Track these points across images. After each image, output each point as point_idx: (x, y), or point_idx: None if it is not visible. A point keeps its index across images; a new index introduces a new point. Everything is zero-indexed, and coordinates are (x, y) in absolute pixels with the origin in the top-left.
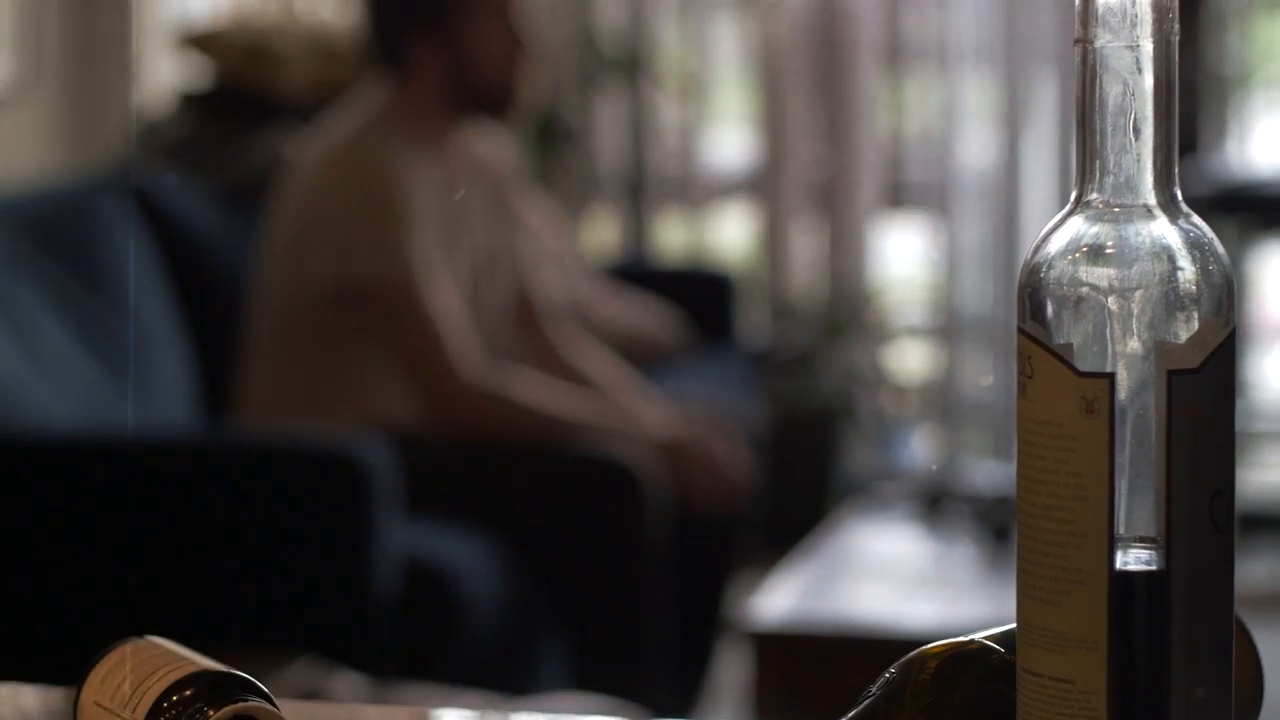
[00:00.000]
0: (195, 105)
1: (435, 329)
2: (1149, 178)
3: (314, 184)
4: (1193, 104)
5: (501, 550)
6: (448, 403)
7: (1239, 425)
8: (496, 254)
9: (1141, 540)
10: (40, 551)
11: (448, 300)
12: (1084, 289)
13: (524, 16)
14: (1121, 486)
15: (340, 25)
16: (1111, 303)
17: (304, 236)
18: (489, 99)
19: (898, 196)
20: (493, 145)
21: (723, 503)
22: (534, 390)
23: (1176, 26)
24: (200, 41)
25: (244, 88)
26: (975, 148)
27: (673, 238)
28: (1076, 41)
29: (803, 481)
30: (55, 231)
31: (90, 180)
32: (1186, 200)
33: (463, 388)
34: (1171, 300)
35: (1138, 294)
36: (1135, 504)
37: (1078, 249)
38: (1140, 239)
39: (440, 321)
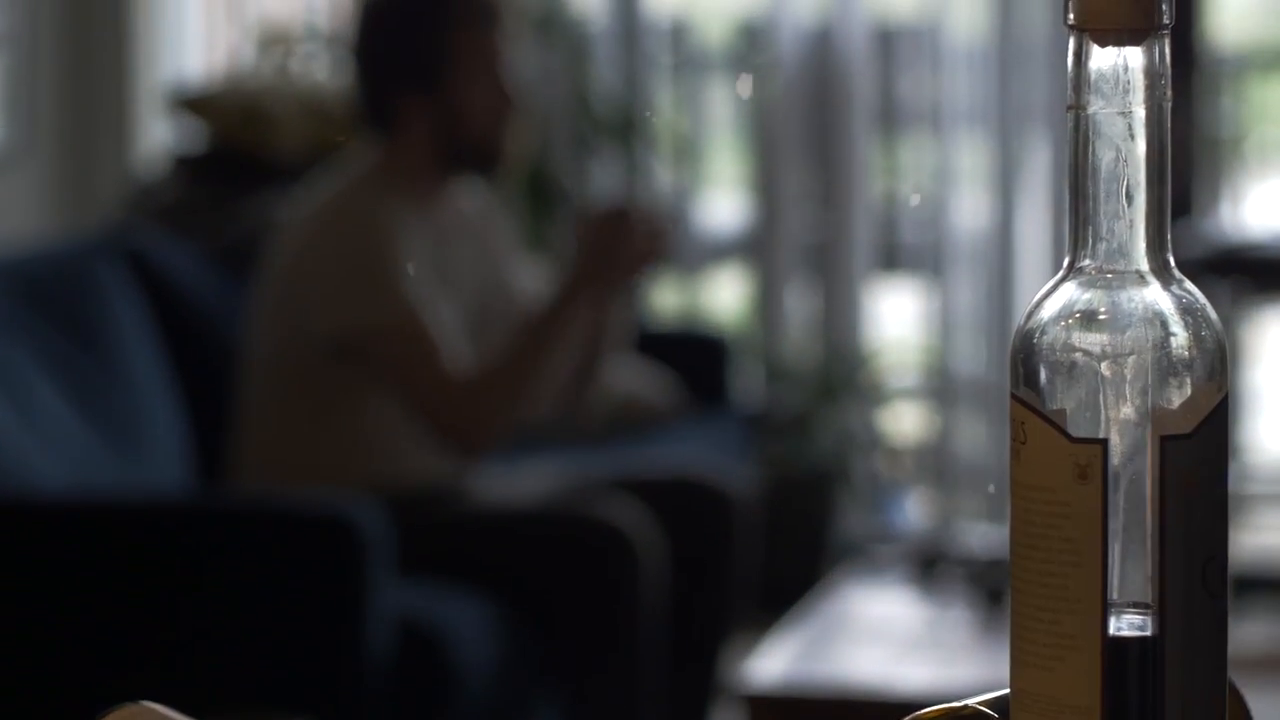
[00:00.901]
0: (189, 168)
1: (441, 364)
2: (1141, 244)
3: (305, 242)
4: (1187, 166)
5: (496, 613)
6: (459, 418)
7: (1233, 488)
8: (488, 308)
9: (1135, 605)
10: (34, 614)
11: (449, 333)
12: (1077, 354)
13: (511, 72)
14: (1115, 552)
15: (333, 87)
16: (1104, 368)
17: (297, 294)
18: (478, 155)
19: (892, 259)
20: (482, 201)
21: (648, 261)
22: (492, 358)
23: (1169, 93)
24: (194, 104)
25: (238, 150)
26: (969, 211)
27: (666, 300)
28: (1069, 108)
29: (797, 544)
30: (49, 293)
31: (84, 242)
32: (1180, 263)
33: (459, 393)
34: (1164, 366)
35: (1131, 360)
36: (1128, 569)
37: (1071, 315)
38: (1133, 305)
39: (446, 357)
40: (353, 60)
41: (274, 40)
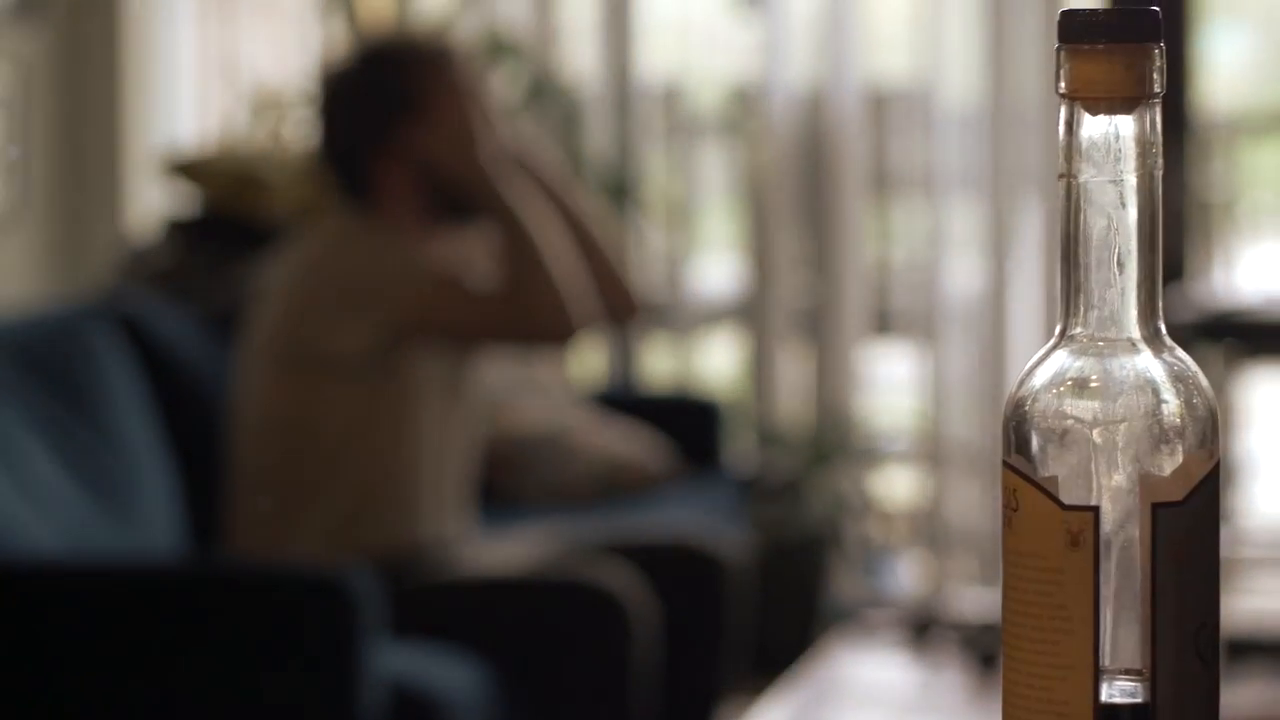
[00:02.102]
0: (182, 232)
1: (483, 290)
2: (1133, 312)
3: (303, 282)
4: (1179, 231)
5: (488, 677)
6: (529, 315)
7: (1227, 552)
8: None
9: (1127, 672)
10: (24, 678)
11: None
12: (1069, 422)
13: (484, 111)
14: (1106, 619)
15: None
16: (1096, 435)
17: (303, 338)
18: (460, 202)
19: (884, 323)
20: (470, 246)
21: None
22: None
23: (1160, 161)
24: (187, 169)
25: (231, 215)
26: (961, 275)
27: (659, 365)
28: (1060, 176)
29: (790, 608)
30: (42, 358)
31: (77, 307)
32: (1174, 327)
33: (511, 299)
34: (1156, 433)
35: (1122, 427)
36: (1120, 636)
37: (1062, 382)
38: (1125, 372)
39: (483, 287)
40: (322, 130)
41: (267, 105)
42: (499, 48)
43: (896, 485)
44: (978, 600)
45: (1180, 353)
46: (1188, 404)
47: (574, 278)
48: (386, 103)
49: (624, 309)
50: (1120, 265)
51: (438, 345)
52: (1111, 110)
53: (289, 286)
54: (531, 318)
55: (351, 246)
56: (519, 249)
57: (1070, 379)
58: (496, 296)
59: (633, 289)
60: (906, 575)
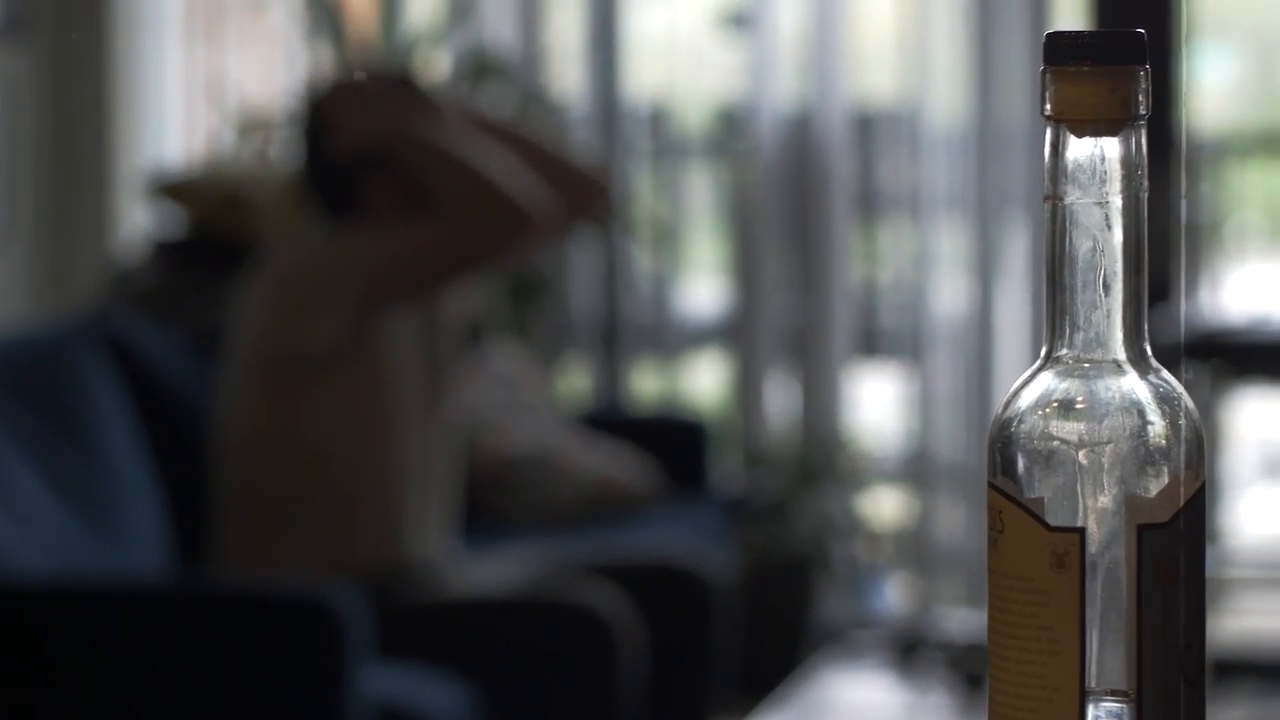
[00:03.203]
0: (169, 253)
1: (435, 226)
2: (1119, 333)
3: (270, 292)
4: (1166, 251)
5: (475, 698)
6: (515, 221)
7: (1213, 573)
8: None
9: (1113, 694)
10: (11, 698)
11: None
12: (1055, 443)
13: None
14: (1093, 640)
15: None
16: (1082, 457)
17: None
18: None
19: (871, 344)
20: None
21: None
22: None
23: (1145, 183)
24: (174, 190)
25: (218, 236)
26: (948, 296)
27: (646, 386)
28: (1046, 198)
29: (776, 629)
30: (28, 379)
31: (63, 328)
32: (1160, 347)
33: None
34: (1142, 455)
35: (1108, 448)
36: (1106, 658)
37: (1048, 404)
38: (1110, 394)
39: (429, 225)
40: (308, 157)
41: (254, 126)
42: (486, 67)
43: (883, 506)
44: (964, 621)
45: (1166, 374)
46: (1173, 425)
47: (517, 176)
48: (373, 126)
49: (591, 196)
50: (1106, 287)
51: (406, 305)
52: (1097, 132)
53: (257, 301)
54: (484, 223)
55: (305, 247)
56: (452, 171)
57: (1056, 400)
58: (444, 222)
59: (591, 173)
60: (893, 596)
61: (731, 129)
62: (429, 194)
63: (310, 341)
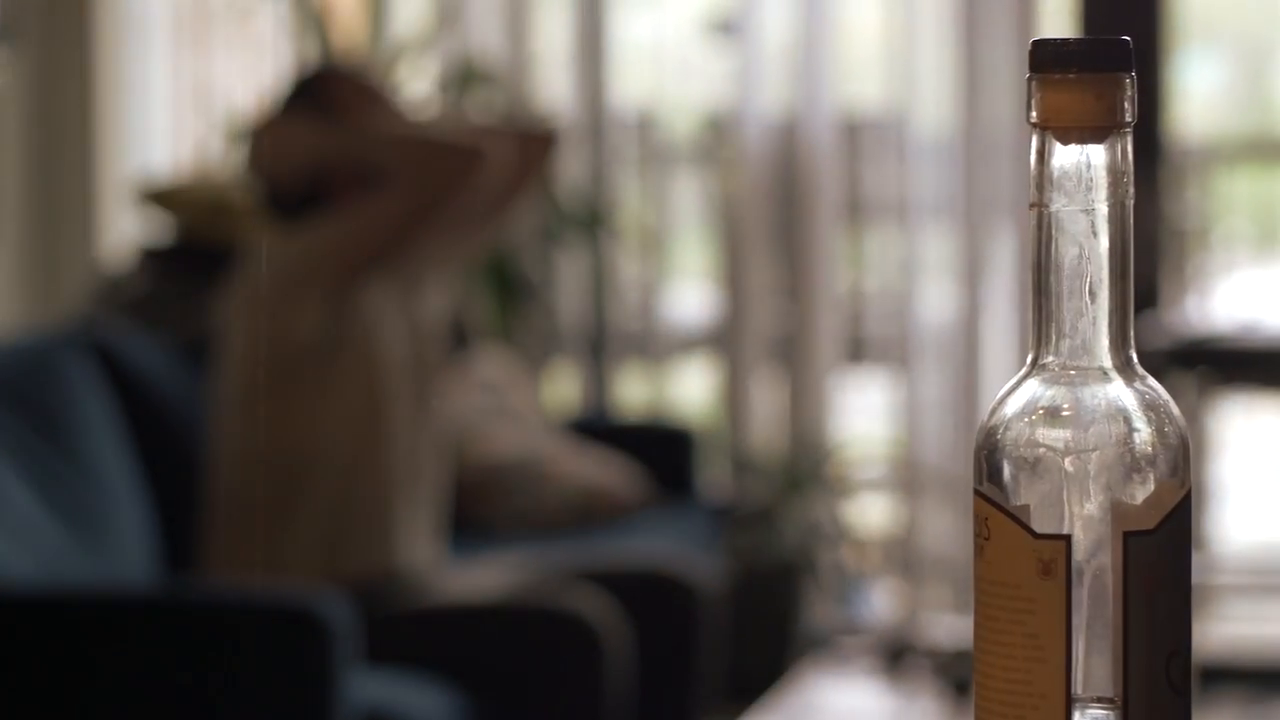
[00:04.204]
0: (156, 260)
1: (387, 193)
2: (1105, 340)
3: (254, 293)
4: (1153, 258)
5: (462, 705)
6: (462, 159)
7: (1199, 579)
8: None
9: (1099, 701)
10: None
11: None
12: (1041, 450)
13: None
14: (1079, 647)
15: None
16: (1068, 464)
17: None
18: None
19: (858, 351)
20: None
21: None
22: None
23: (1131, 189)
24: (161, 197)
25: (205, 243)
26: (935, 303)
27: (633, 393)
28: (1032, 205)
29: (763, 636)
30: (15, 387)
31: (51, 335)
32: (1147, 354)
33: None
34: (1128, 462)
35: (1094, 456)
36: (1093, 665)
37: (1034, 411)
38: (1096, 401)
39: (382, 192)
40: (264, 192)
41: (241, 133)
42: (473, 75)
43: (870, 513)
44: (951, 627)
45: (1152, 381)
46: (1159, 433)
47: (459, 129)
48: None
49: (541, 145)
50: (1092, 294)
51: (382, 275)
52: (1083, 139)
53: (242, 308)
54: (435, 170)
55: (282, 248)
56: (395, 145)
57: (1042, 408)
58: (393, 188)
59: (535, 126)
60: (880, 602)
61: (719, 136)
62: (385, 177)
63: (295, 332)
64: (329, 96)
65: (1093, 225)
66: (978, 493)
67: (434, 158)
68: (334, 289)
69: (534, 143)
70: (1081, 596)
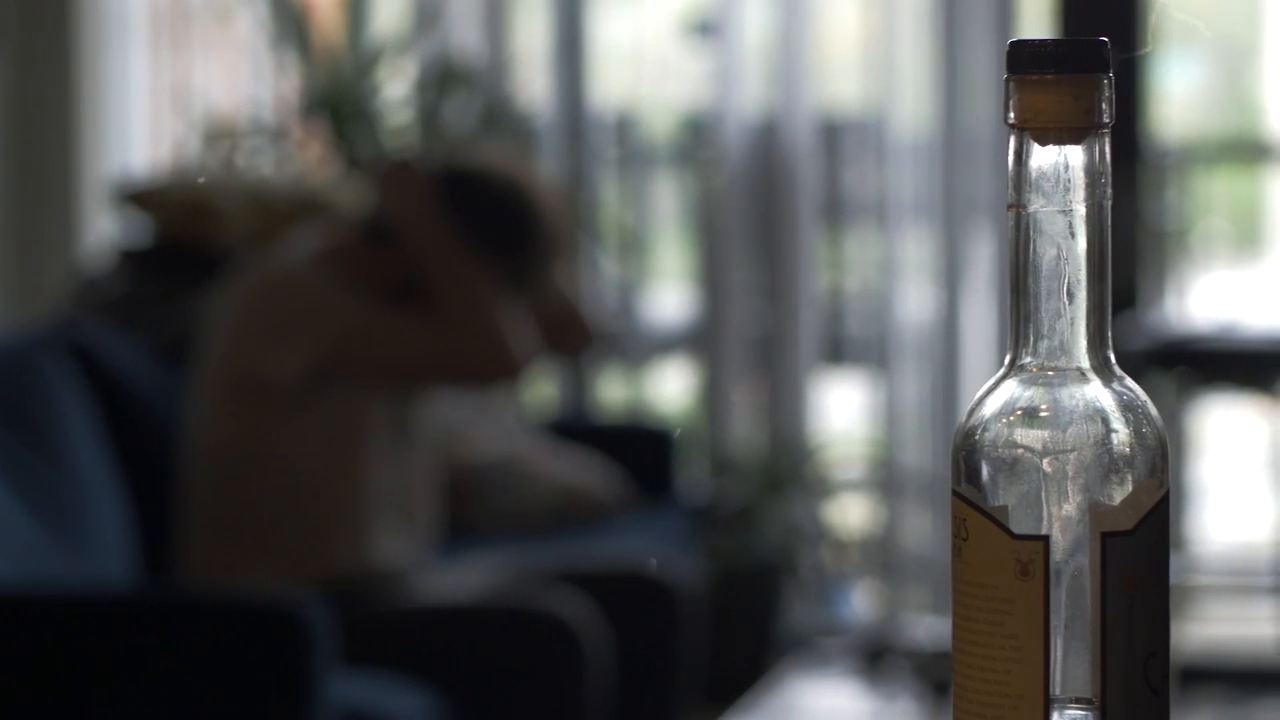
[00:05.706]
0: (134, 261)
1: (414, 326)
2: (1083, 341)
3: (246, 311)
4: (1131, 259)
5: (441, 706)
6: (499, 367)
7: (1178, 580)
8: None
9: (1077, 701)
10: None
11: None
12: (1019, 451)
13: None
14: (1057, 648)
15: (280, 181)
16: (1046, 465)
17: (246, 359)
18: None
19: (837, 351)
20: None
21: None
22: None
23: (1109, 190)
24: (140, 198)
25: (184, 244)
26: (914, 303)
27: (612, 393)
28: (1010, 206)
29: (743, 636)
30: None
31: (29, 336)
32: (1126, 355)
33: (445, 336)
34: (1105, 463)
35: (1072, 456)
36: (1071, 665)
37: (1012, 412)
38: (1074, 402)
39: (419, 328)
40: (376, 218)
41: (219, 134)
42: (452, 76)
43: (849, 513)
44: (931, 628)
45: (1130, 382)
46: (1137, 433)
47: (516, 324)
48: None
49: (579, 345)
50: (1070, 295)
51: (374, 381)
52: (1060, 140)
53: (233, 316)
54: (472, 356)
55: (288, 276)
56: (462, 293)
57: (1020, 408)
58: (432, 334)
59: (590, 324)
60: (860, 603)
61: (698, 137)
62: (428, 295)
63: (273, 370)
64: (504, 223)
65: (1070, 226)
66: (956, 494)
67: (480, 344)
68: (321, 360)
69: (576, 337)
70: (1060, 597)
